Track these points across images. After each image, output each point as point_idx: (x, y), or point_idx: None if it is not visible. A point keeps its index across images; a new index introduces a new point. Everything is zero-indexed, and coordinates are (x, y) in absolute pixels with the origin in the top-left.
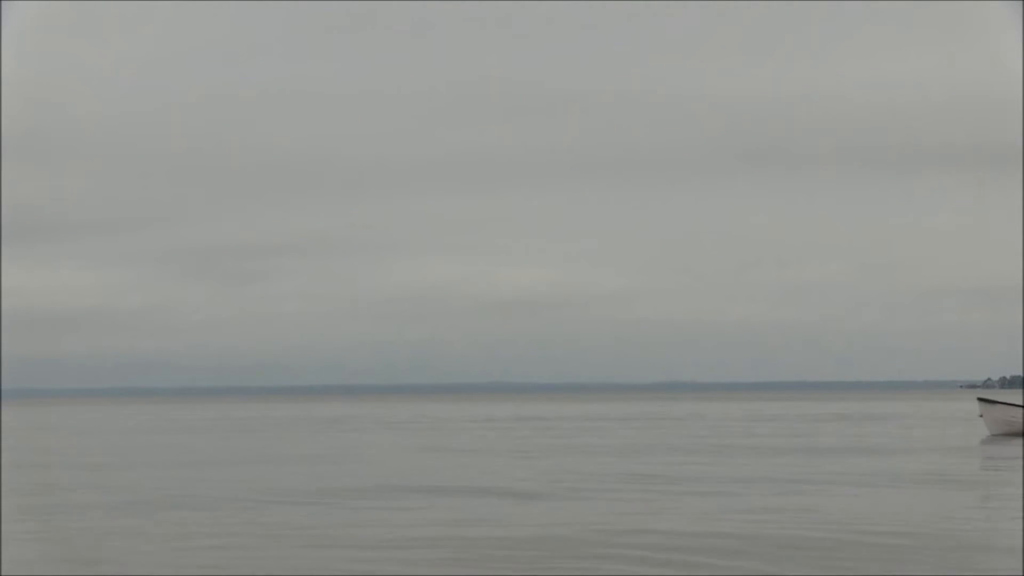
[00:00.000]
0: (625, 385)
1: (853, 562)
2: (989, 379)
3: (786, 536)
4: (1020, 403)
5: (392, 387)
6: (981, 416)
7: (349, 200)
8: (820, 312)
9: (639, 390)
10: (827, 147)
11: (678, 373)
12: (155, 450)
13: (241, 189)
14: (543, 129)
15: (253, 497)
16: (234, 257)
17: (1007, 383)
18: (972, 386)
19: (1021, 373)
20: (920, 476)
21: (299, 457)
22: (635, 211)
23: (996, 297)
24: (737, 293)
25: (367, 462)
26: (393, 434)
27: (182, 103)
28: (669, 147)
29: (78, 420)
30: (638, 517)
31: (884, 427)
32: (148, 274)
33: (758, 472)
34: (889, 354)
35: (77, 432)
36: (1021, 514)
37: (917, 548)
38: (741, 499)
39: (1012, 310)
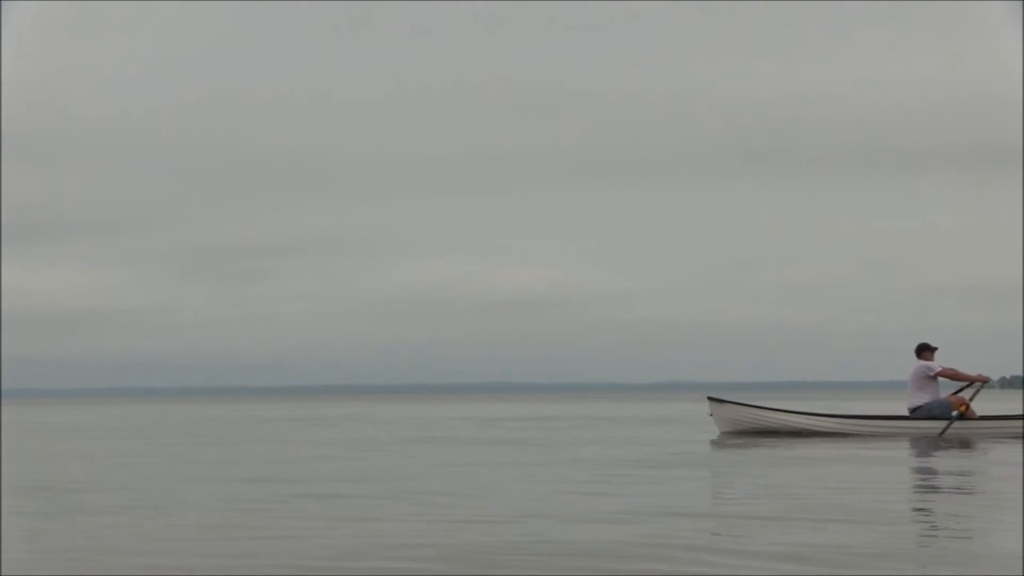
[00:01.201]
0: (625, 385)
1: None
2: (989, 379)
3: None
4: (751, 403)
5: (392, 387)
6: (711, 415)
7: (349, 200)
8: (820, 312)
9: (639, 390)
10: (827, 147)
11: (678, 373)
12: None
13: (241, 189)
14: (543, 129)
15: None
16: (234, 257)
17: (1007, 383)
18: None
19: (1021, 373)
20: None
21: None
22: (635, 211)
23: (996, 297)
24: (737, 293)
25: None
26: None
27: (182, 103)
28: (669, 147)
29: (45, 421)
30: None
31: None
32: (148, 274)
33: None
34: (889, 354)
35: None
36: None
37: None
38: None
39: (1012, 310)
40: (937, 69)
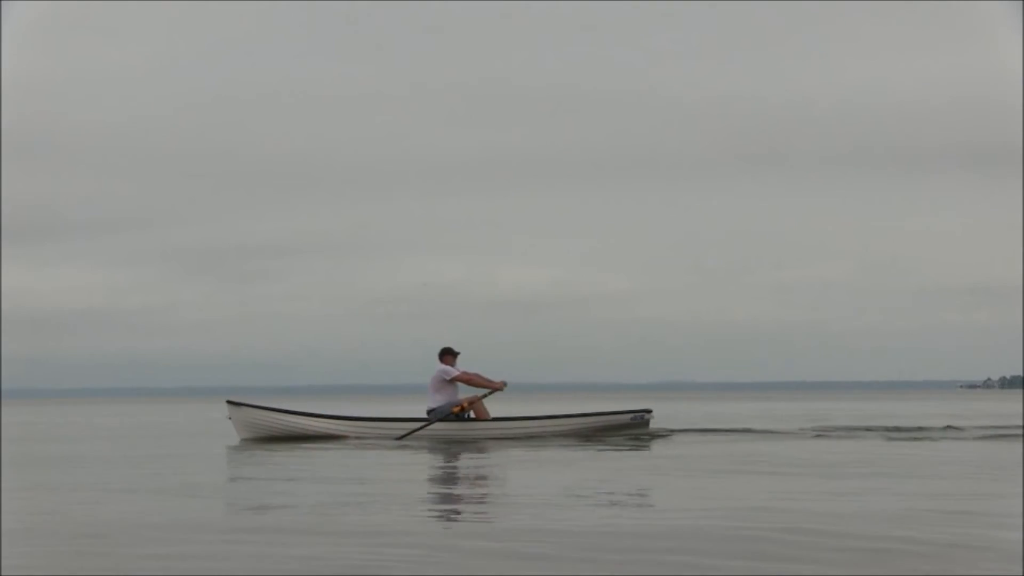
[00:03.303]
0: (625, 385)
1: None
2: (989, 379)
3: None
4: (270, 406)
5: (392, 387)
6: (230, 419)
7: (349, 200)
8: (820, 312)
9: (639, 390)
10: (828, 148)
11: (678, 373)
12: None
13: (241, 189)
14: (544, 129)
15: None
16: (234, 257)
17: (1007, 383)
18: (972, 386)
19: (1021, 373)
20: None
21: None
22: (635, 211)
23: (997, 297)
24: (738, 293)
25: None
26: None
27: (183, 103)
28: (670, 147)
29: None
30: None
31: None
32: (148, 274)
33: None
34: (889, 354)
35: None
36: None
37: None
38: None
39: (1012, 310)
40: (937, 70)
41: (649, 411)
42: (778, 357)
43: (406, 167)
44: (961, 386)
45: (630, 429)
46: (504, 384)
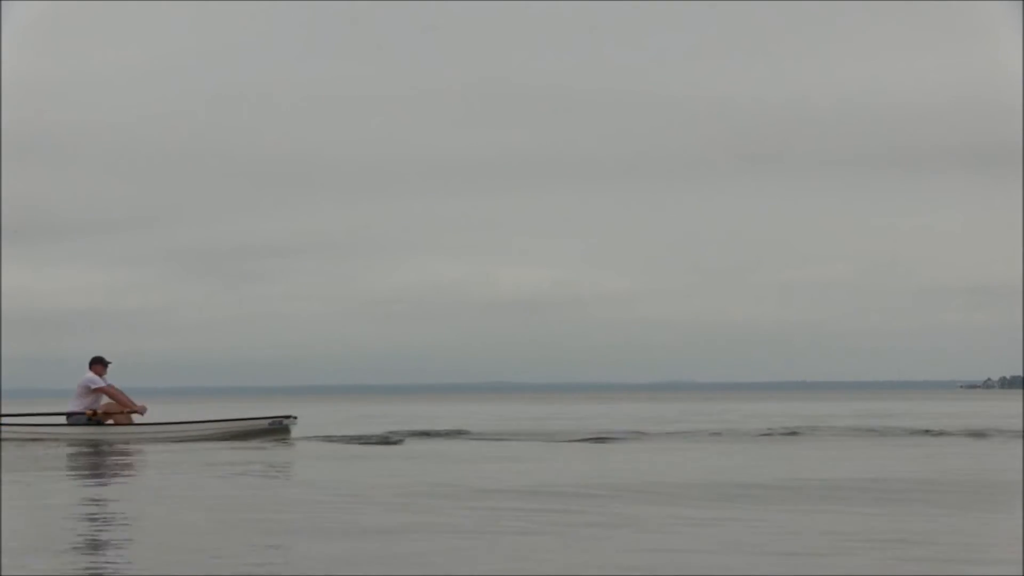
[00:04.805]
0: (625, 385)
1: None
2: (989, 379)
3: None
4: None
5: (392, 387)
6: None
7: (349, 200)
8: (821, 312)
9: (639, 390)
10: (828, 148)
11: (678, 373)
12: None
13: (241, 189)
14: (544, 129)
15: None
16: (234, 257)
17: (1007, 383)
18: (972, 386)
19: (1021, 373)
20: None
21: None
22: (635, 211)
23: (997, 297)
24: (738, 293)
25: None
26: None
27: (183, 103)
28: (670, 147)
29: None
30: None
31: None
32: (148, 274)
33: None
34: (889, 354)
35: None
36: None
37: None
38: None
39: (1012, 310)
40: (937, 70)
41: (291, 417)
42: (778, 357)
43: (406, 167)
44: (961, 386)
45: (269, 435)
46: (144, 409)
